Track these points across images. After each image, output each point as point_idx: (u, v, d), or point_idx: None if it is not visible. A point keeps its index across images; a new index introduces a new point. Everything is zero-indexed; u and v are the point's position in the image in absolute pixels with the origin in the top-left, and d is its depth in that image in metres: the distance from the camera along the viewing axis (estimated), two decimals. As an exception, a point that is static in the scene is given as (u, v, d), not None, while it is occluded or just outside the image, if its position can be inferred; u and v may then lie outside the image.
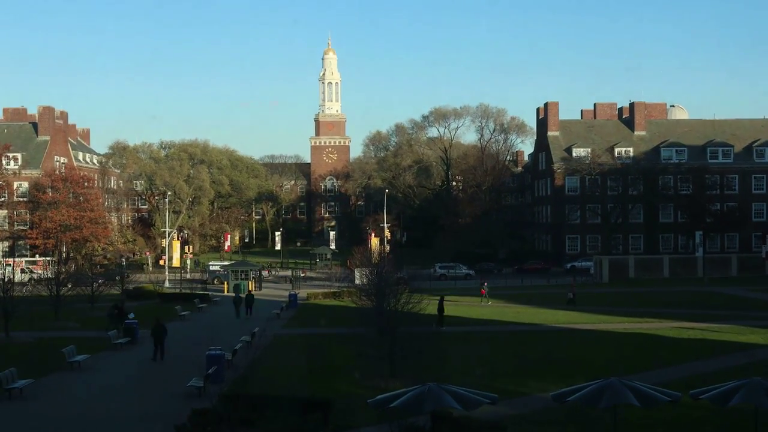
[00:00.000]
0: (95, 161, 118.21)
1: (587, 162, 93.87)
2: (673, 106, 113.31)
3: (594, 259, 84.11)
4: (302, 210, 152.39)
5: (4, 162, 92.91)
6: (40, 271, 71.18)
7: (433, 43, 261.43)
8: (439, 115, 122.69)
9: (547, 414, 25.32)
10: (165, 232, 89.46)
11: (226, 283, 73.01)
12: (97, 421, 26.00)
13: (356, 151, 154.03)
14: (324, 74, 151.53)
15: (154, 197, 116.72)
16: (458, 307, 56.88)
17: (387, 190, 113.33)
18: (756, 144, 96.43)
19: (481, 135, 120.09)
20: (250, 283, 72.65)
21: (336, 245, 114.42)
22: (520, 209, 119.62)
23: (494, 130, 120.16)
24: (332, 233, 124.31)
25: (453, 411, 20.50)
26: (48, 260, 72.16)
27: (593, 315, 51.24)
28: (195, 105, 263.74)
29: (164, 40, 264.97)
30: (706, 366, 33.36)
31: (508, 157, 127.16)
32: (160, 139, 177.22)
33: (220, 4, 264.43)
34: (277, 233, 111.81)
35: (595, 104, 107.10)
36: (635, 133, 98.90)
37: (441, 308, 46.50)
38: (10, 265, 67.57)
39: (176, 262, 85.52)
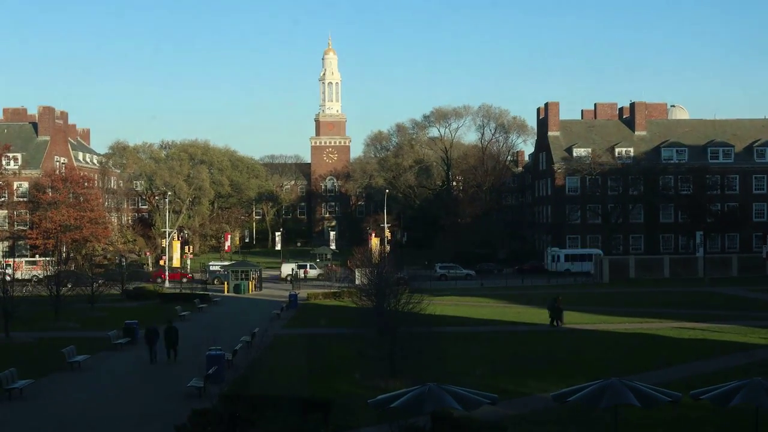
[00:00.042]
0: (95, 161, 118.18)
1: (588, 162, 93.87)
2: (673, 106, 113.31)
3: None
4: (302, 210, 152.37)
5: (4, 162, 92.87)
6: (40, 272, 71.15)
7: (434, 43, 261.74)
8: (440, 115, 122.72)
9: (547, 414, 25.30)
10: (165, 232, 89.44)
11: (226, 283, 73.04)
12: (97, 421, 26.00)
13: (356, 151, 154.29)
14: (324, 74, 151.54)
15: (154, 197, 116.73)
16: (458, 307, 56.89)
17: (387, 191, 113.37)
18: (756, 144, 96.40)
19: (482, 135, 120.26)
20: (250, 283, 72.85)
21: (336, 245, 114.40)
22: (521, 209, 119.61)
23: (495, 130, 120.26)
24: (332, 233, 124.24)
25: (453, 411, 20.47)
26: (48, 260, 72.10)
27: (593, 315, 51.20)
28: (195, 105, 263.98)
29: (164, 41, 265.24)
30: (706, 366, 33.33)
31: (509, 157, 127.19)
32: (160, 139, 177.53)
33: (220, 4, 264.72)
34: (278, 233, 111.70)
35: (595, 104, 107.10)
36: (636, 133, 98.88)
37: (556, 308, 46.12)
38: (10, 265, 67.62)
39: (176, 263, 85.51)
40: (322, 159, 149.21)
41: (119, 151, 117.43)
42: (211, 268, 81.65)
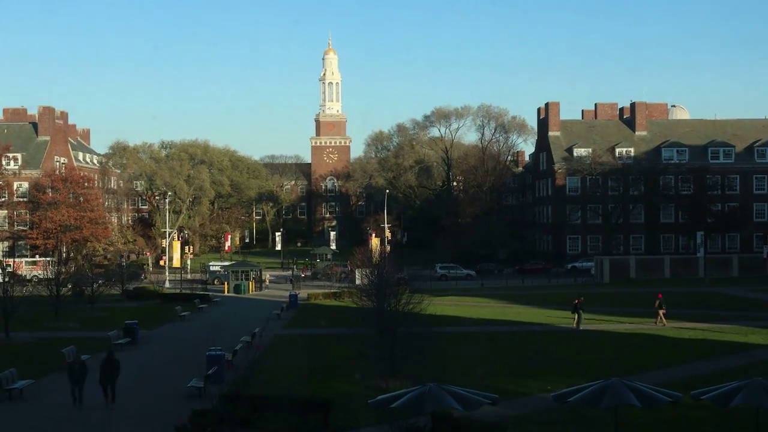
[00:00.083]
0: (95, 161, 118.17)
1: (588, 162, 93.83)
2: (674, 106, 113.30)
3: (595, 259, 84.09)
4: (303, 210, 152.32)
5: (4, 162, 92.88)
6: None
7: (434, 43, 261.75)
8: (441, 115, 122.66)
9: (547, 414, 25.27)
10: (165, 232, 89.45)
11: (226, 283, 73.01)
12: (97, 421, 25.96)
13: (357, 152, 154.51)
14: (324, 74, 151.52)
15: (154, 197, 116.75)
16: (458, 307, 56.86)
17: (388, 191, 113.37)
18: (757, 144, 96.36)
19: (482, 135, 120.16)
20: (250, 283, 72.80)
21: (336, 245, 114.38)
22: (521, 209, 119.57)
23: (495, 130, 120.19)
24: (333, 233, 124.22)
25: (453, 411, 20.45)
26: (48, 260, 72.09)
27: (594, 315, 51.14)
28: (195, 105, 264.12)
29: (164, 40, 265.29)
30: (707, 366, 33.30)
31: (509, 158, 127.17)
32: (160, 139, 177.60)
33: (220, 4, 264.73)
34: (278, 233, 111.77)
35: (596, 104, 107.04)
36: (636, 133, 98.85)
37: (575, 309, 45.63)
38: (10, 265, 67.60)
39: (176, 263, 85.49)
40: (322, 159, 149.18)
41: (119, 151, 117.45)
42: (212, 269, 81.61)
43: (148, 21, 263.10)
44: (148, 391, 30.50)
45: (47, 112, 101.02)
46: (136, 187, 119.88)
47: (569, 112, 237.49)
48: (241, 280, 72.46)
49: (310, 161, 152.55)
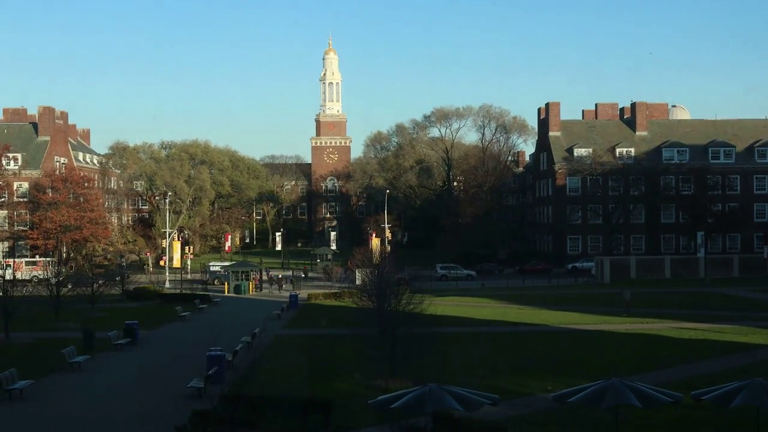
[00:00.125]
0: (95, 161, 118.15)
1: (588, 162, 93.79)
2: (674, 106, 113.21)
3: (595, 259, 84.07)
4: (303, 210, 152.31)
5: (4, 162, 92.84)
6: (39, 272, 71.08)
7: (434, 43, 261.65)
8: (441, 115, 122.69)
9: (548, 415, 25.24)
10: (165, 232, 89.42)
11: (226, 283, 72.98)
12: (97, 421, 25.94)
13: (357, 152, 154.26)
14: (325, 74, 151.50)
15: (154, 197, 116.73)
16: (459, 307, 56.83)
17: (388, 191, 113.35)
18: (758, 144, 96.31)
19: (483, 135, 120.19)
20: (251, 283, 72.79)
21: (337, 246, 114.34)
22: (522, 210, 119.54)
23: (495, 131, 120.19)
24: (333, 233, 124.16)
25: (454, 412, 20.43)
26: (48, 261, 72.09)
27: (594, 315, 51.16)
28: (195, 105, 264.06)
29: (164, 40, 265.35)
30: (707, 367, 33.27)
31: (510, 158, 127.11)
32: (160, 139, 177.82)
33: (220, 4, 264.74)
34: (278, 234, 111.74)
35: (596, 104, 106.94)
36: (637, 133, 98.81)
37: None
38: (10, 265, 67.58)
39: (177, 263, 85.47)
40: (322, 159, 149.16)
41: (119, 151, 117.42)
42: (212, 269, 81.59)
43: (148, 21, 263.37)
44: (148, 392, 30.46)
45: (47, 112, 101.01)
46: (136, 187, 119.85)
47: (570, 112, 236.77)
48: (242, 280, 72.43)
49: (310, 161, 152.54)
